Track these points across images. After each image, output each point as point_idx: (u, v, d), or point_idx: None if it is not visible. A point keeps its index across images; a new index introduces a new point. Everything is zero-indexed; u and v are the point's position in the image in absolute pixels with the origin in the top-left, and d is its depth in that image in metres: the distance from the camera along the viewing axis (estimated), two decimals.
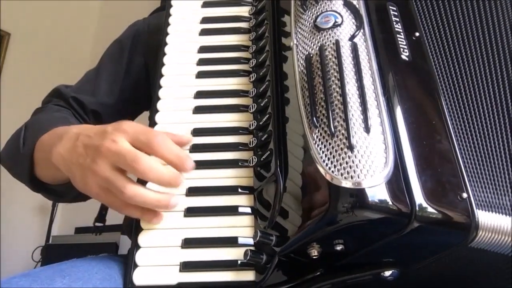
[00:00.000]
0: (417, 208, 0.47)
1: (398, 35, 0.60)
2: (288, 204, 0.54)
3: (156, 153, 0.56)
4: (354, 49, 0.56)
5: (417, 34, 0.61)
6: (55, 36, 3.22)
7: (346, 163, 0.48)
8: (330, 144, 0.50)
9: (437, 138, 0.52)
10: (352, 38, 0.57)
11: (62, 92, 0.86)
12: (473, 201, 0.49)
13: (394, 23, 0.61)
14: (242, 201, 0.60)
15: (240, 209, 0.60)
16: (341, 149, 0.49)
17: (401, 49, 0.59)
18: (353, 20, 0.59)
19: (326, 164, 0.49)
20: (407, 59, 0.58)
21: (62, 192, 0.74)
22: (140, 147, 0.56)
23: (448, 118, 0.54)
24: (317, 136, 0.52)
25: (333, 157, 0.49)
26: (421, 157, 0.50)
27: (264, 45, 0.69)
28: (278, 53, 0.66)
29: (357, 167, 0.47)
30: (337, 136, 0.50)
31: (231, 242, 0.57)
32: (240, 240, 0.57)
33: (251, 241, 0.57)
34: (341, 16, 0.59)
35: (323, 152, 0.50)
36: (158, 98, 0.70)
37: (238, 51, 0.75)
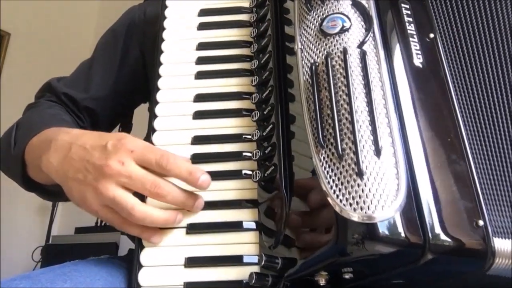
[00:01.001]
0: (431, 238, 0.45)
1: (411, 38, 0.55)
2: (294, 226, 0.51)
3: (169, 172, 0.55)
4: (363, 58, 0.51)
5: (431, 35, 0.56)
6: (55, 36, 3.19)
7: (356, 192, 0.45)
8: (338, 168, 0.47)
9: (452, 158, 0.49)
10: (361, 45, 0.52)
11: (53, 87, 0.83)
12: (489, 227, 0.46)
13: (407, 23, 0.56)
14: (246, 215, 0.58)
15: (245, 225, 0.57)
16: (350, 175, 0.46)
17: (415, 54, 0.54)
18: (362, 23, 0.55)
19: (334, 191, 0.46)
20: (420, 65, 0.54)
21: (56, 192, 0.73)
22: (148, 167, 0.55)
23: (464, 134, 0.50)
24: (324, 158, 0.48)
25: (341, 183, 0.46)
26: (435, 180, 0.47)
27: (266, 44, 0.65)
28: (281, 55, 0.62)
29: (367, 196, 0.44)
30: (345, 160, 0.47)
31: (236, 261, 0.56)
32: (245, 259, 0.55)
33: (256, 259, 0.55)
34: (349, 19, 0.54)
35: (330, 176, 0.47)
36: (157, 102, 0.67)
37: (239, 47, 0.70)
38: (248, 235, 0.57)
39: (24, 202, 2.74)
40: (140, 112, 0.91)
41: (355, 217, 0.43)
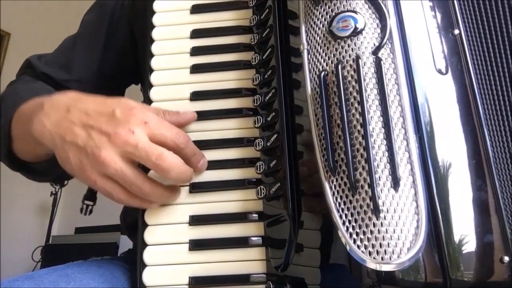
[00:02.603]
0: (452, 275, 0.41)
1: (433, 36, 0.48)
2: (303, 253, 0.48)
3: (182, 151, 0.53)
4: (379, 67, 0.45)
5: (456, 31, 0.49)
6: (55, 36, 3.04)
7: (371, 232, 0.41)
8: (351, 202, 0.42)
9: (478, 184, 0.44)
10: (376, 50, 0.46)
11: (33, 65, 0.77)
12: None
13: (432, 17, 0.49)
14: (251, 230, 0.55)
15: (251, 241, 0.54)
16: (365, 212, 0.41)
17: (437, 56, 0.48)
18: (378, 21, 0.47)
19: (347, 228, 0.42)
20: (443, 70, 0.48)
21: (42, 171, 0.69)
22: (161, 142, 0.51)
23: (491, 154, 0.45)
24: (335, 186, 0.44)
25: (355, 220, 0.42)
26: (458, 210, 0.43)
27: (268, 37, 0.58)
28: (285, 51, 0.55)
29: (383, 239, 0.40)
30: (360, 194, 0.42)
31: (242, 280, 0.53)
32: (252, 278, 0.53)
33: (263, 277, 0.52)
34: (363, 18, 0.47)
35: (342, 210, 0.43)
36: (150, 101, 0.61)
37: (237, 33, 0.63)
38: (255, 251, 0.54)
39: (24, 202, 2.73)
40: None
41: (369, 262, 0.40)
